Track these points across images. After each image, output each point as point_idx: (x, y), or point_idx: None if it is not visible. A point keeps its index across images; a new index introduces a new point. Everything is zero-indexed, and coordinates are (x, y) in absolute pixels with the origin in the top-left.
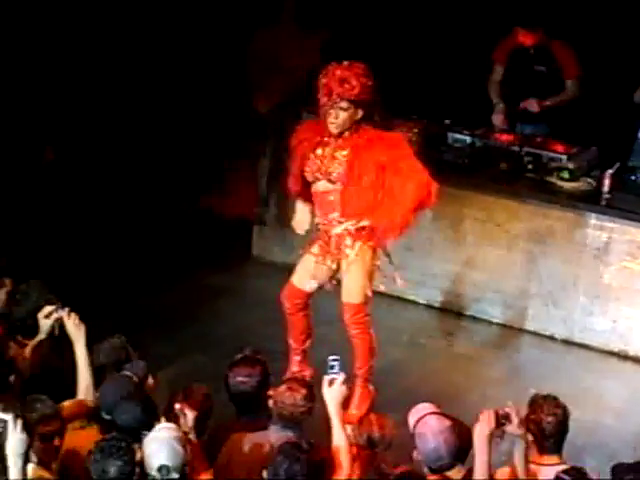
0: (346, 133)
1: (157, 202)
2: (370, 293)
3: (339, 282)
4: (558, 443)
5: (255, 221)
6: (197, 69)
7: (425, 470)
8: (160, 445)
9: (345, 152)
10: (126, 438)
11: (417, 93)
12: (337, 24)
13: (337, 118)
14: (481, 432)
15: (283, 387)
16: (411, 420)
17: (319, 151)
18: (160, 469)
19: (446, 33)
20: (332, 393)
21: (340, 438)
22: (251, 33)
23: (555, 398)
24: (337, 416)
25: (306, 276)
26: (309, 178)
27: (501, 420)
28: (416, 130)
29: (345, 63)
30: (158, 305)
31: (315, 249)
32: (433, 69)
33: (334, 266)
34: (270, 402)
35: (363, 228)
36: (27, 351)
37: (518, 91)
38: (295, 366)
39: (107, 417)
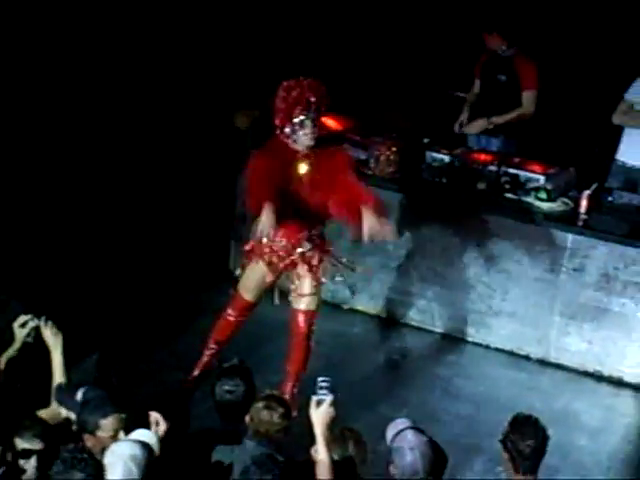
0: (308, 150)
1: (136, 218)
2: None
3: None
4: (534, 465)
5: (232, 237)
6: (175, 82)
7: None
8: (115, 460)
9: (306, 168)
10: (86, 448)
11: (395, 111)
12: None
13: (313, 128)
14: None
15: (261, 403)
16: (389, 434)
17: (293, 172)
18: None
19: (426, 51)
20: (320, 414)
21: (324, 457)
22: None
23: (536, 420)
24: (322, 436)
25: (255, 287)
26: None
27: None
28: (394, 149)
29: (302, 80)
30: (136, 323)
31: (266, 263)
32: (411, 88)
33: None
34: (247, 418)
35: (320, 237)
36: (2, 361)
37: (486, 101)
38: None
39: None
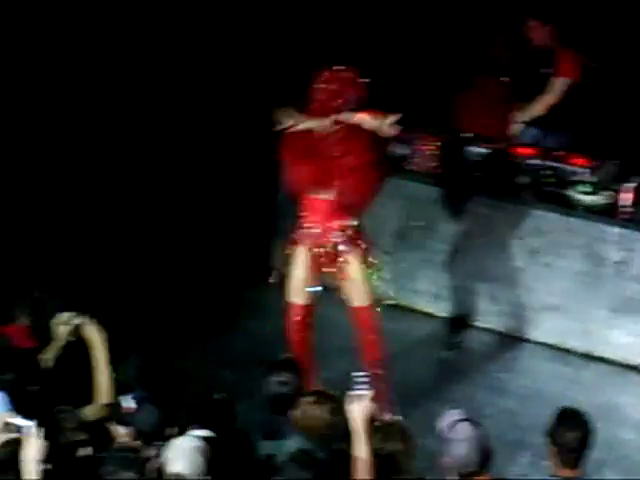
0: (338, 137)
1: (177, 217)
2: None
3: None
4: (580, 458)
5: (274, 233)
6: (214, 81)
7: (452, 475)
8: (178, 453)
9: (338, 152)
10: (134, 448)
11: (436, 106)
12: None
13: (332, 121)
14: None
15: (310, 398)
16: (442, 425)
17: (320, 154)
18: (175, 477)
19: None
20: (359, 409)
21: (363, 453)
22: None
23: (582, 414)
24: (361, 432)
25: (302, 286)
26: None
27: None
28: (435, 143)
29: (337, 68)
30: (179, 321)
31: (306, 256)
32: (453, 81)
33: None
34: (292, 411)
35: (356, 231)
36: (47, 358)
37: (527, 95)
38: None
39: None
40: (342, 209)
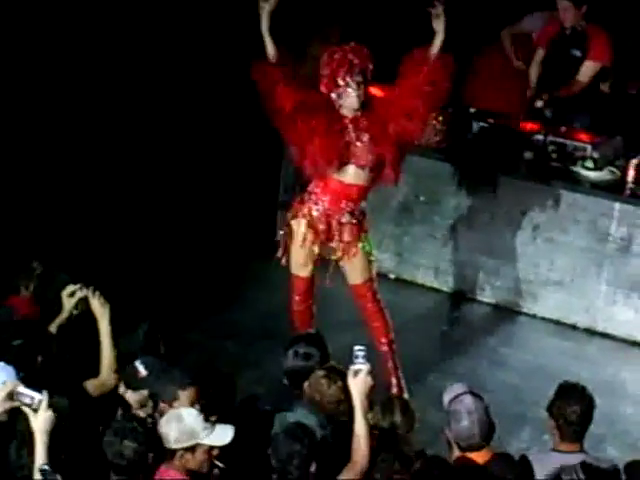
0: (358, 113)
1: (184, 190)
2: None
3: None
4: (580, 432)
5: (279, 206)
6: (218, 52)
7: (454, 448)
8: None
9: (366, 136)
10: (135, 417)
11: None
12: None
13: (359, 92)
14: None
15: (322, 372)
16: (446, 398)
17: (346, 137)
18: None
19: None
20: (358, 384)
21: (361, 429)
22: None
23: (583, 388)
24: (361, 407)
25: (304, 260)
26: (334, 166)
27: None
28: (441, 118)
29: (346, 46)
30: (183, 291)
31: (308, 235)
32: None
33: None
34: (305, 384)
35: (362, 212)
36: (52, 329)
37: (556, 76)
38: None
39: None
40: (362, 193)
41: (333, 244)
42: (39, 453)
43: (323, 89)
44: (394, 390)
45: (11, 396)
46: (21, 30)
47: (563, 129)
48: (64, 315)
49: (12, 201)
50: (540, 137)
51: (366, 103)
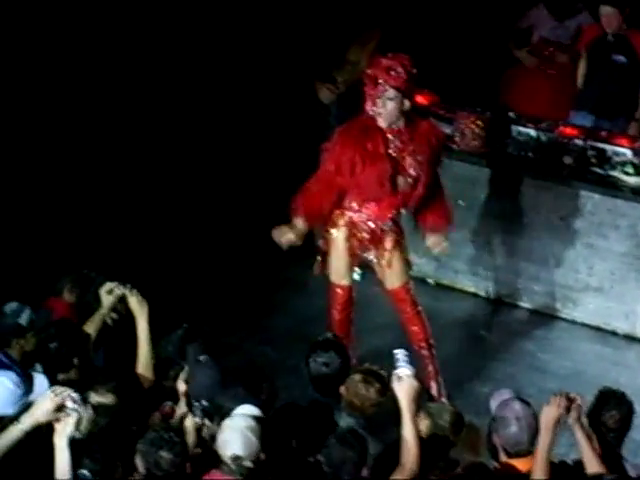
0: (400, 125)
1: (224, 195)
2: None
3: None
4: (619, 438)
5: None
6: (256, 59)
7: (501, 454)
8: (233, 434)
9: (411, 147)
10: (172, 427)
11: (481, 84)
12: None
13: (384, 108)
14: (549, 413)
15: (359, 376)
16: (493, 404)
17: (389, 151)
18: (234, 459)
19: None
20: (404, 388)
21: (410, 433)
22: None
23: (623, 394)
24: (409, 411)
25: (345, 267)
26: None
27: (570, 405)
28: (480, 123)
29: (390, 54)
30: (222, 295)
31: (349, 244)
32: (496, 61)
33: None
34: (342, 389)
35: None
36: (90, 327)
37: (599, 84)
38: None
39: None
40: (405, 203)
41: (372, 252)
42: (62, 465)
43: (366, 93)
44: (433, 394)
45: (60, 408)
46: (22, 30)
47: (603, 133)
48: (103, 311)
49: (47, 203)
50: (580, 142)
51: (410, 115)
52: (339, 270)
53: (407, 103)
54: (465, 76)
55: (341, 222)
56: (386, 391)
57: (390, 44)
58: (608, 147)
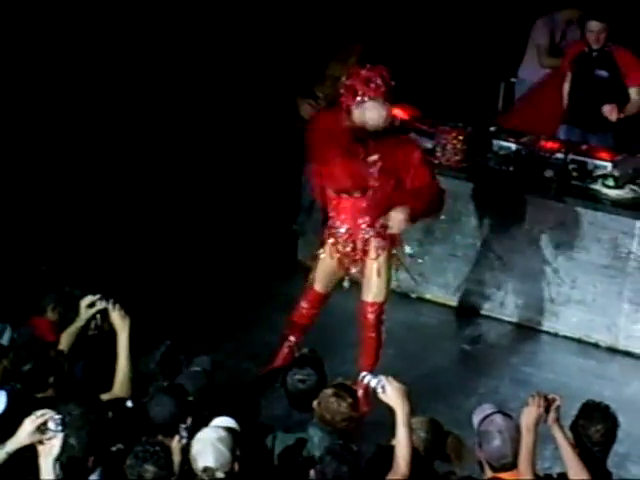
0: (376, 134)
1: (205, 210)
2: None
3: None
4: (604, 452)
5: (297, 227)
6: (238, 73)
7: (487, 469)
8: (204, 446)
9: (375, 157)
10: (159, 442)
11: (462, 100)
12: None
13: (363, 119)
14: (529, 414)
15: (330, 391)
16: (475, 419)
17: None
18: (204, 470)
19: (490, 38)
20: (392, 393)
21: (404, 435)
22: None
23: (607, 407)
24: (404, 412)
25: (324, 278)
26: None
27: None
28: (461, 137)
29: (368, 66)
30: (204, 311)
31: (333, 254)
32: (479, 76)
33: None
34: (314, 403)
35: (385, 228)
36: (63, 338)
37: (582, 98)
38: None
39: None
40: (373, 208)
41: (357, 265)
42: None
43: (343, 101)
44: None
45: (42, 430)
46: (22, 31)
47: (584, 147)
48: (78, 324)
49: (26, 212)
50: (560, 155)
51: (387, 126)
52: (318, 275)
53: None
54: (446, 91)
55: (326, 237)
56: (357, 406)
57: (371, 59)
58: (589, 160)
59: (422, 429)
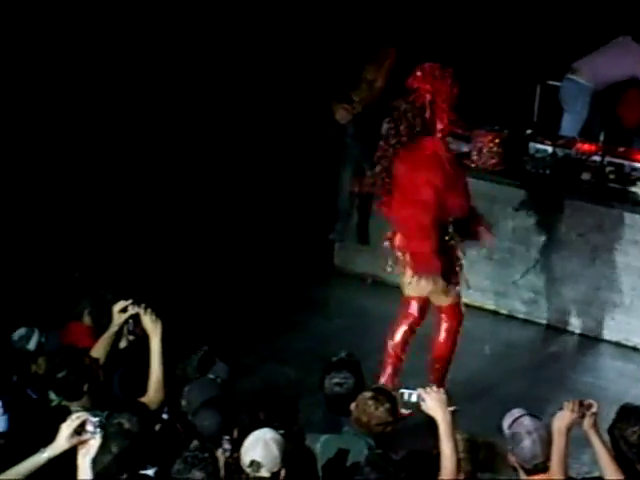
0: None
1: (244, 216)
2: None
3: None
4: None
5: (334, 237)
6: (273, 77)
7: (521, 473)
8: (256, 441)
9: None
10: (209, 448)
11: (498, 103)
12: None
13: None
14: (562, 419)
15: (369, 394)
16: (505, 424)
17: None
18: (251, 464)
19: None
20: (433, 406)
21: (448, 446)
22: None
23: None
24: (445, 422)
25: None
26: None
27: (584, 412)
28: (498, 140)
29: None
30: (241, 316)
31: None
32: (515, 79)
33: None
34: (352, 405)
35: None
36: (100, 348)
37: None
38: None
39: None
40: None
41: None
42: None
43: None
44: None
45: (79, 431)
46: (22, 31)
47: (621, 150)
48: (112, 330)
49: (54, 220)
50: (597, 158)
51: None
52: (411, 283)
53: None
54: (481, 94)
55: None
56: (396, 412)
57: (406, 62)
58: (626, 163)
59: (461, 450)
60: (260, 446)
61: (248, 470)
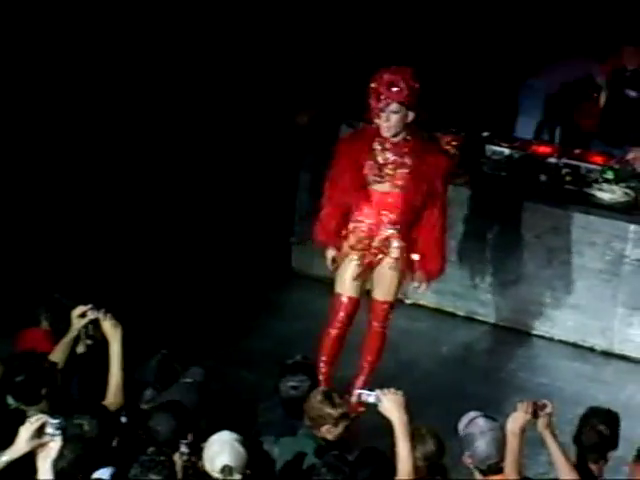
0: (401, 137)
1: (200, 218)
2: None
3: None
4: (602, 454)
5: (295, 239)
6: (234, 80)
7: (476, 474)
8: (222, 446)
9: (408, 158)
10: (165, 452)
11: (454, 105)
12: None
13: (388, 121)
14: (515, 420)
15: (318, 392)
16: (460, 426)
17: (380, 158)
18: (223, 469)
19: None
20: (389, 407)
21: (404, 447)
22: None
23: (608, 412)
24: (402, 423)
25: (350, 280)
26: (369, 181)
27: (538, 412)
28: (455, 143)
29: (393, 68)
30: (200, 319)
31: (355, 252)
32: (469, 81)
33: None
34: (304, 405)
35: (407, 232)
36: (58, 353)
37: (612, 113)
38: None
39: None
40: (399, 207)
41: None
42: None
43: (370, 106)
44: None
45: (38, 434)
46: (22, 31)
47: (577, 152)
48: (70, 335)
49: (23, 223)
50: (554, 160)
51: (413, 132)
52: (345, 280)
53: (411, 115)
54: (440, 97)
55: (348, 233)
56: (346, 414)
57: (368, 66)
58: (582, 164)
59: (430, 443)
60: (227, 450)
61: (219, 476)
